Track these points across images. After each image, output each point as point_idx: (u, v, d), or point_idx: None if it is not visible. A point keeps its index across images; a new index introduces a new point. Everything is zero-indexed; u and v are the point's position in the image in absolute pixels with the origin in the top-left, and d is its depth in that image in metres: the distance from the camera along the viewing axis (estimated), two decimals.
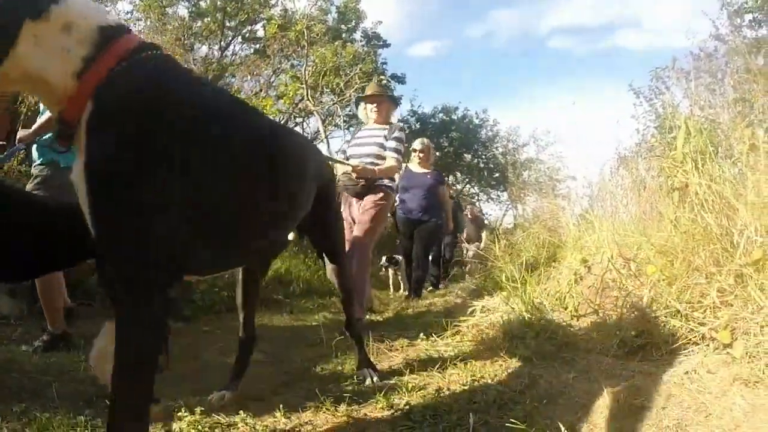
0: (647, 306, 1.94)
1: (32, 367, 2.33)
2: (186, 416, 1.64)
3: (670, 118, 3.25)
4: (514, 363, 2.16)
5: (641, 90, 7.25)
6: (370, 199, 3.65)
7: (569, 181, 7.38)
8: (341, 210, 3.64)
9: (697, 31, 13.07)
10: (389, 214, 5.33)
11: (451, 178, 17.64)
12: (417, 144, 5.62)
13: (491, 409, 1.70)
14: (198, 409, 1.67)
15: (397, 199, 5.41)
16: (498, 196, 18.25)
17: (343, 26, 15.70)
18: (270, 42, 12.32)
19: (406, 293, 5.82)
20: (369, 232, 3.63)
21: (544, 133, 17.04)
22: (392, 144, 3.69)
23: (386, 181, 3.72)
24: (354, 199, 3.78)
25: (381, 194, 3.66)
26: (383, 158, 3.69)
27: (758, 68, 2.90)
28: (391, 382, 2.09)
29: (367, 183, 3.64)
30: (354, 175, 3.61)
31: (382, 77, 13.99)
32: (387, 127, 3.81)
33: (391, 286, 7.19)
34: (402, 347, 2.80)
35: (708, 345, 1.67)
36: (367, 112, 3.95)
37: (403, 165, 4.81)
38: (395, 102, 4.34)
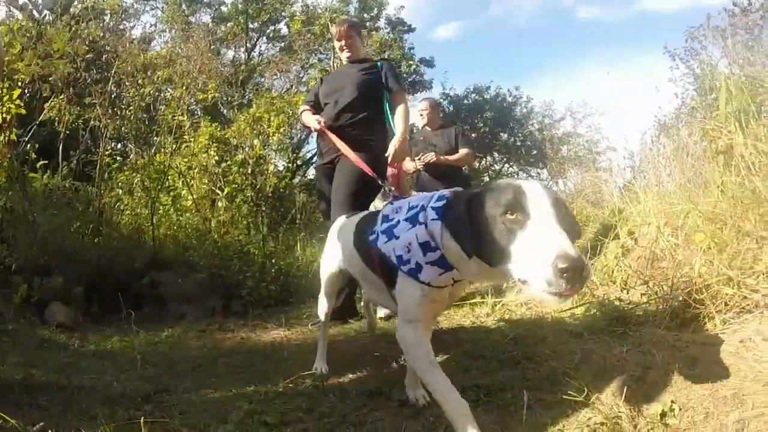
0: (698, 275, 1.91)
1: (89, 369, 2.33)
2: (244, 405, 1.71)
3: (709, 78, 3.14)
4: (565, 339, 2.16)
5: (677, 52, 6.98)
6: None
7: (609, 152, 7.18)
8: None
9: None
10: None
11: (488, 158, 17.40)
12: None
13: (545, 385, 1.72)
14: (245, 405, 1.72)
15: None
16: (538, 173, 17.80)
17: (365, 15, 15.65)
18: (295, 38, 12.40)
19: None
20: None
21: (580, 106, 16.53)
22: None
23: None
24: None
25: None
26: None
27: None
28: (441, 360, 2.12)
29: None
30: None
31: (411, 62, 13.97)
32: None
33: None
34: (449, 327, 2.84)
35: (762, 312, 1.65)
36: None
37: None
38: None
